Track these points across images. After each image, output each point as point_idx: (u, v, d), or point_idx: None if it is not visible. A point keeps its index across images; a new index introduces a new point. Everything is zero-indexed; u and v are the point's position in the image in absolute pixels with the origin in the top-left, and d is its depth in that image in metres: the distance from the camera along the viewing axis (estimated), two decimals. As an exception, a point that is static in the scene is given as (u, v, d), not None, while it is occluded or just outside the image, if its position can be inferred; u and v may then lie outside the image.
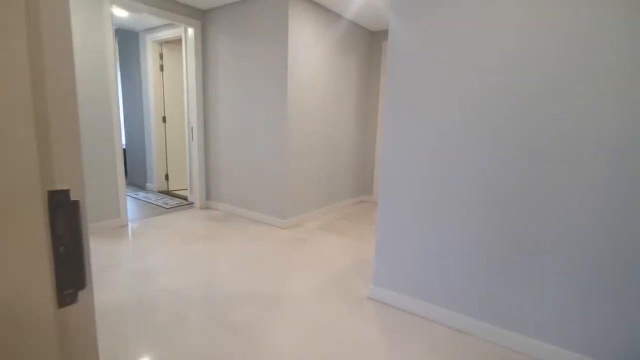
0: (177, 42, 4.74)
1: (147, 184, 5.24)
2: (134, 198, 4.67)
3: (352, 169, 4.58)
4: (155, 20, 4.30)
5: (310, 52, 3.57)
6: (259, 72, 3.54)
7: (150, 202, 4.48)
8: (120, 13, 4.07)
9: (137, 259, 2.76)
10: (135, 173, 5.47)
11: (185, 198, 4.67)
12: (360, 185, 4.83)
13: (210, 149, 4.21)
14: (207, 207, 4.33)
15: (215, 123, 4.08)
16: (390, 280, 2.18)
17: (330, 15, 3.78)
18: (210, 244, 3.12)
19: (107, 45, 3.23)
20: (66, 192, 0.47)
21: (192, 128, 4.20)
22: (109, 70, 3.27)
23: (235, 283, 2.42)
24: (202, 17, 3.98)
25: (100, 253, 2.85)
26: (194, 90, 4.07)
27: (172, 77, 4.90)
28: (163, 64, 4.84)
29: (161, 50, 4.80)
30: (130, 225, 3.56)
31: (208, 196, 4.34)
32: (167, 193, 4.99)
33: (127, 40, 5.09)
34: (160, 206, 4.31)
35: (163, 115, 5.00)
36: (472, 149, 1.79)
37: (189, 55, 4.05)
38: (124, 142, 6.17)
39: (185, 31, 4.01)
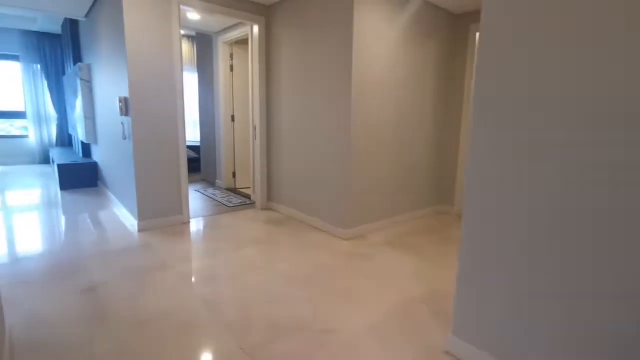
0: (245, 41, 4.70)
1: (217, 181, 5.33)
2: (203, 194, 4.76)
3: (428, 174, 4.02)
4: (225, 21, 4.28)
5: (379, 41, 3.14)
6: (320, 67, 3.23)
7: (215, 200, 4.50)
8: (193, 16, 4.13)
9: (187, 262, 2.66)
10: (207, 170, 5.63)
11: (249, 197, 4.61)
12: (438, 194, 4.22)
13: (272, 149, 4.04)
14: (267, 208, 4.18)
15: (277, 122, 3.89)
16: (479, 332, 1.59)
17: (406, -2, 3.30)
18: (264, 250, 2.90)
19: (175, 48, 3.23)
20: None
21: (255, 127, 4.08)
22: (176, 71, 3.27)
23: (280, 304, 2.13)
24: (266, 13, 3.82)
25: (156, 251, 2.82)
26: (258, 88, 3.94)
27: (241, 76, 4.89)
28: (233, 64, 4.85)
29: (231, 50, 4.81)
30: (191, 223, 3.55)
31: (269, 197, 4.19)
32: (234, 191, 4.99)
33: (204, 44, 5.23)
34: (224, 204, 4.29)
35: (232, 114, 5.02)
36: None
37: (254, 54, 3.93)
38: (199, 140, 6.45)
39: (251, 29, 3.90)
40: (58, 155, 5.24)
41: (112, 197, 4.28)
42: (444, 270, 2.64)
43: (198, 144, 6.54)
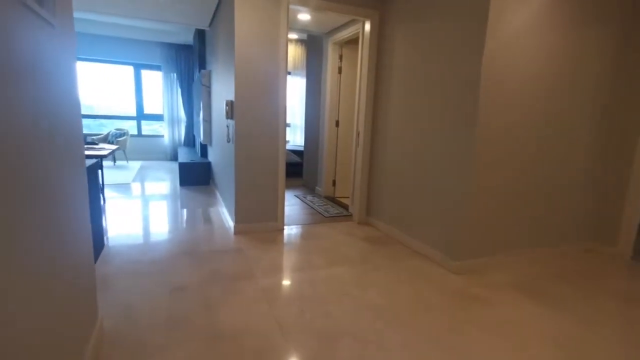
0: (356, 41, 4.42)
1: (317, 188, 5.19)
2: (301, 200, 4.64)
3: (580, 200, 3.08)
4: (336, 19, 4.08)
5: (522, 29, 2.46)
6: (440, 67, 2.70)
7: (312, 207, 4.32)
8: (304, 17, 4.04)
9: (273, 275, 2.46)
10: (308, 175, 5.55)
11: (347, 207, 4.30)
12: (592, 226, 3.22)
13: (375, 158, 3.64)
14: (365, 223, 3.80)
15: (383, 127, 3.48)
16: None
17: (563, -30, 2.53)
18: (356, 272, 2.52)
19: (280, 51, 3.13)
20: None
21: (358, 133, 3.75)
22: (280, 75, 3.17)
23: (369, 344, 1.72)
24: (380, 7, 3.45)
25: (245, 258, 2.71)
26: (364, 91, 3.60)
27: (349, 79, 4.63)
28: (341, 65, 4.63)
29: (341, 51, 4.60)
30: (285, 231, 3.40)
31: (368, 210, 3.80)
32: (332, 200, 4.76)
33: (315, 46, 5.17)
34: (320, 213, 4.07)
35: (336, 119, 4.81)
36: None
37: (363, 53, 3.61)
38: (302, 144, 6.46)
39: (363, 26, 3.58)
40: (181, 154, 5.83)
41: (219, 196, 4.48)
42: (602, 340, 1.85)
43: (302, 149, 6.56)
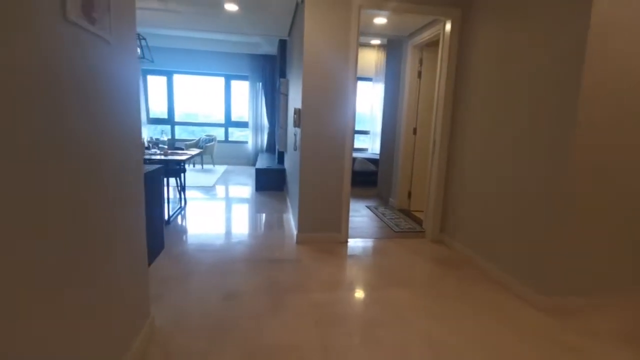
0: (437, 43, 4.07)
1: (390, 199, 4.92)
2: (372, 212, 4.44)
3: None
4: (416, 21, 3.81)
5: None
6: (530, 63, 2.27)
7: (383, 220, 4.08)
8: (380, 20, 3.87)
9: (327, 290, 2.33)
10: (382, 185, 5.31)
11: (421, 223, 3.96)
12: None
13: (453, 169, 3.27)
14: (438, 241, 3.43)
15: (462, 136, 3.10)
16: None
17: None
18: (419, 298, 2.25)
19: (350, 57, 3.03)
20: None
21: (434, 142, 3.42)
22: (349, 81, 3.06)
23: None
24: (463, 3, 3.09)
25: (303, 269, 2.64)
26: (443, 96, 3.27)
27: (428, 84, 4.29)
28: (421, 70, 4.32)
29: (421, 54, 4.29)
30: (348, 244, 3.25)
31: (443, 228, 3.43)
32: (406, 213, 4.45)
33: (394, 51, 4.94)
34: (390, 227, 3.81)
35: (414, 126, 4.49)
36: None
37: (443, 55, 3.28)
38: (377, 153, 6.22)
39: (443, 27, 3.26)
40: (260, 160, 6.10)
41: (289, 203, 4.54)
42: None
43: (378, 157, 6.32)
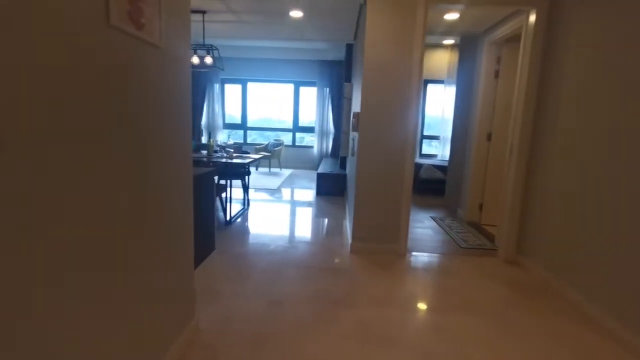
0: (518, 38, 3.61)
1: (458, 210, 4.51)
2: (437, 223, 4.11)
3: None
4: (493, 14, 3.44)
5: None
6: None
7: (448, 234, 3.74)
8: (450, 16, 3.58)
9: (377, 307, 2.16)
10: (450, 195, 4.90)
11: (492, 239, 3.54)
12: None
13: (534, 180, 2.85)
14: (513, 262, 3.00)
15: (548, 142, 2.68)
16: None
17: None
18: (479, 327, 1.96)
19: (414, 58, 2.82)
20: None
21: (511, 149, 3.02)
22: (413, 83, 2.86)
23: None
24: (553, -12, 2.69)
25: (353, 282, 2.51)
26: (523, 96, 2.87)
27: (507, 84, 3.83)
28: (499, 68, 3.88)
29: (499, 52, 3.86)
30: (406, 257, 3.02)
31: (519, 247, 3.00)
32: (476, 227, 4.03)
33: (468, 49, 4.54)
34: (456, 242, 3.47)
35: (489, 131, 4.06)
36: None
37: (524, 52, 2.89)
38: (447, 159, 5.78)
39: (527, 19, 2.87)
40: (323, 165, 6.08)
41: (347, 209, 4.42)
42: None
43: (446, 164, 5.88)
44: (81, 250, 1.02)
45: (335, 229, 3.76)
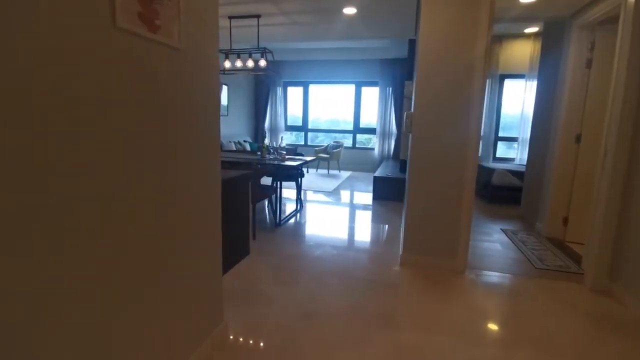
0: (616, 19, 2.98)
1: (537, 224, 3.91)
2: (509, 237, 3.60)
3: None
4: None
5: None
6: None
7: (521, 250, 3.24)
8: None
9: (420, 332, 1.91)
10: (528, 205, 4.29)
11: (578, 261, 2.97)
12: None
13: (633, 187, 2.29)
14: (604, 291, 2.46)
15: (655, 146, 2.12)
16: None
17: None
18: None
19: (477, 49, 2.47)
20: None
21: (605, 153, 2.48)
22: (475, 78, 2.51)
23: None
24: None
25: (396, 301, 2.27)
26: (622, 90, 2.33)
27: (602, 76, 3.19)
28: (592, 57, 3.26)
29: (592, 37, 3.24)
30: (465, 275, 2.67)
31: (612, 272, 2.45)
32: (558, 244, 3.44)
33: (551, 37, 3.93)
34: (531, 261, 2.98)
35: (578, 132, 3.44)
36: None
37: (623, 35, 2.36)
38: (524, 163, 5.07)
39: (627, -4, 2.34)
40: (381, 168, 5.79)
41: (403, 216, 4.11)
42: None
43: (524, 169, 5.17)
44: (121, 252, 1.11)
45: (388, 238, 3.51)
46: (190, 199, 1.46)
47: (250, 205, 2.90)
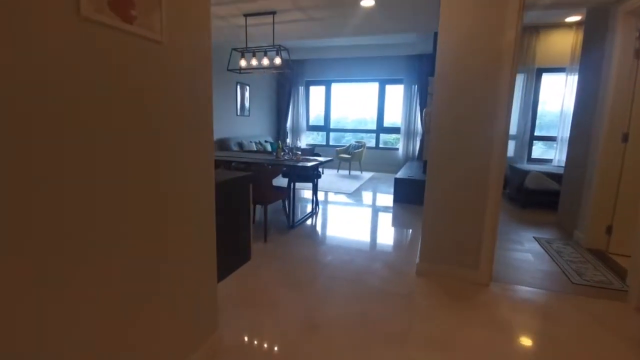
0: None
1: (575, 232, 3.55)
2: (542, 247, 3.28)
3: None
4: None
5: None
6: None
7: (556, 262, 2.93)
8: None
9: (433, 351, 1.72)
10: (566, 211, 3.92)
11: (622, 276, 2.64)
12: None
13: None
14: (654, 315, 2.14)
15: None
16: None
17: None
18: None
19: (506, 39, 2.23)
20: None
21: (657, 154, 2.16)
22: (503, 72, 2.27)
23: None
24: None
25: (410, 312, 2.08)
26: (679, 78, 2.01)
27: (656, 64, 2.83)
28: (642, 45, 2.89)
29: (642, 22, 2.87)
30: (490, 289, 2.42)
31: (664, 294, 2.12)
32: (600, 256, 3.08)
33: (594, 26, 3.56)
34: (567, 275, 2.68)
35: (624, 131, 3.07)
36: None
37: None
38: (563, 164, 4.65)
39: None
40: (404, 169, 5.53)
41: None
42: None
43: (562, 171, 4.75)
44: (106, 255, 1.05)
45: (406, 244, 3.30)
46: (181, 203, 1.37)
47: (252, 208, 2.80)
